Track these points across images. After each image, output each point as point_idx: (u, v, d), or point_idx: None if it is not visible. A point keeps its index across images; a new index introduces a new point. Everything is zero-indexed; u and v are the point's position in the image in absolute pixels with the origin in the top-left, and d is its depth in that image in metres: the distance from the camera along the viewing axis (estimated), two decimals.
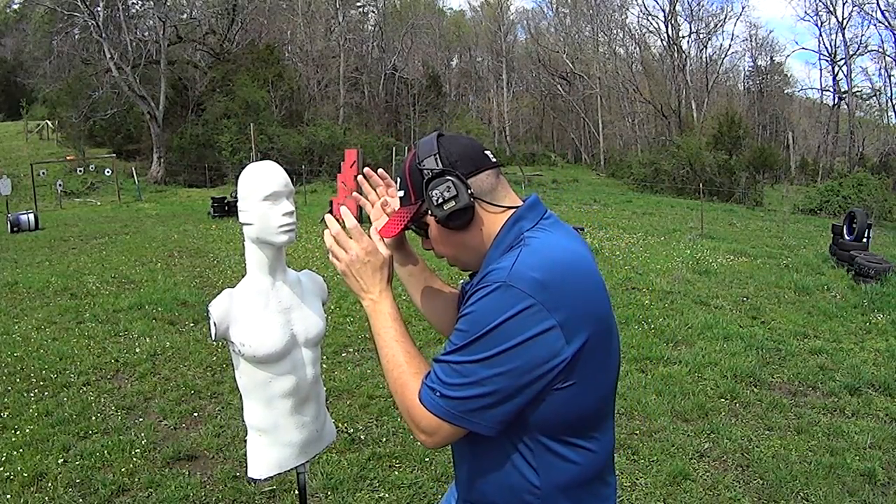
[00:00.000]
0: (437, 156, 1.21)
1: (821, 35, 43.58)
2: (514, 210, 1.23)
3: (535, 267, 1.10)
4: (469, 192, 1.18)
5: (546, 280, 1.08)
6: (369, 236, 1.28)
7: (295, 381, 1.72)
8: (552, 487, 1.17)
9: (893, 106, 40.28)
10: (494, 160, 1.26)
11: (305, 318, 1.75)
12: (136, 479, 3.23)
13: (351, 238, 1.27)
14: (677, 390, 4.38)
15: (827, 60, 42.52)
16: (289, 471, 1.83)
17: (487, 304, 1.09)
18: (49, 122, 31.72)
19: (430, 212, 1.21)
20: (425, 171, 1.20)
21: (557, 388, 1.11)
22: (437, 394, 1.13)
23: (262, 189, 1.62)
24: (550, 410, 1.13)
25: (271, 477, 1.79)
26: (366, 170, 1.55)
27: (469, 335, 1.10)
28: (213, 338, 1.65)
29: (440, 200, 1.18)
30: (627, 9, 50.96)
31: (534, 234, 1.19)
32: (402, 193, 1.27)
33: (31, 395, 4.34)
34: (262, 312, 1.68)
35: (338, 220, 1.37)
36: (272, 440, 1.76)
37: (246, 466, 1.85)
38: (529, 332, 1.07)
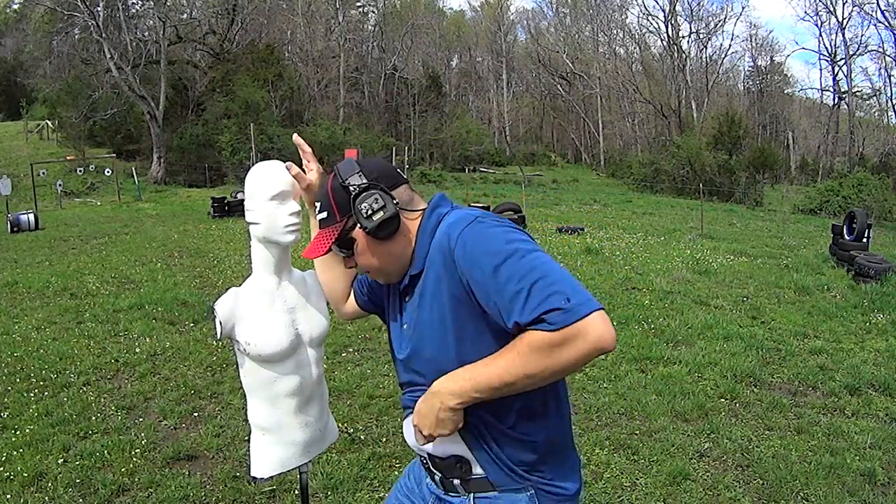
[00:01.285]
0: (360, 173, 1.30)
1: (821, 35, 43.51)
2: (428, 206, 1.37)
3: (471, 210, 1.27)
4: (395, 202, 1.27)
5: (481, 212, 1.26)
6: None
7: (299, 380, 1.73)
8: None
9: (893, 106, 40.32)
10: (405, 177, 1.38)
11: (310, 318, 1.75)
12: (136, 479, 3.23)
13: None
14: (677, 390, 4.38)
15: (827, 60, 42.58)
16: (290, 470, 1.83)
17: (477, 243, 1.19)
18: (49, 122, 31.72)
19: (358, 225, 1.29)
20: (351, 188, 1.28)
21: None
22: (565, 302, 1.09)
23: (269, 189, 1.62)
24: None
25: (272, 476, 1.79)
26: (295, 136, 1.67)
27: (502, 259, 1.14)
28: (219, 336, 1.66)
29: (369, 212, 1.25)
30: (627, 9, 51.09)
31: (445, 213, 1.32)
32: (324, 215, 1.35)
33: (32, 395, 4.33)
34: (267, 312, 1.68)
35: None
36: (275, 439, 1.76)
37: (247, 466, 1.85)
38: (502, 230, 1.20)
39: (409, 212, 1.33)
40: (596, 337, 1.08)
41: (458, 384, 1.21)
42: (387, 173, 1.33)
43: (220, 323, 1.63)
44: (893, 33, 36.72)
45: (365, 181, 1.28)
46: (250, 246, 1.74)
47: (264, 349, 1.65)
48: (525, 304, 1.11)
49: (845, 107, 41.06)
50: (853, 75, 40.82)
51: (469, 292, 1.20)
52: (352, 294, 1.66)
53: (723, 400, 4.30)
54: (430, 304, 1.28)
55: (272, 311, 1.69)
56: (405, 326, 1.37)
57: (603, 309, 1.10)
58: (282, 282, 1.73)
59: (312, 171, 1.61)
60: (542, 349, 1.11)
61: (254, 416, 1.77)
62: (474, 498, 1.34)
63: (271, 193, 1.62)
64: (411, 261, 1.33)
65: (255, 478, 1.79)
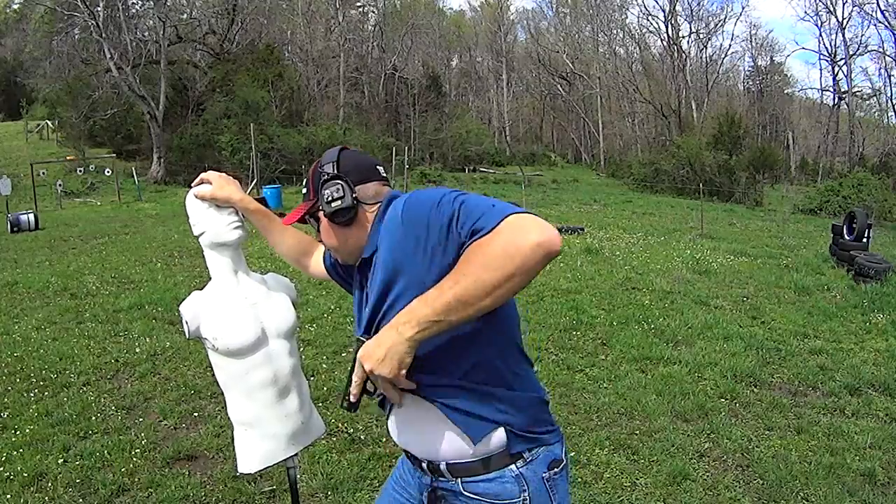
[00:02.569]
0: (335, 163, 1.46)
1: (821, 35, 43.63)
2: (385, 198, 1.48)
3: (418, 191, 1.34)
4: (353, 195, 1.42)
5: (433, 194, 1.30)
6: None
7: (272, 371, 1.77)
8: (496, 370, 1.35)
9: (893, 106, 40.32)
10: (384, 176, 1.53)
11: (274, 311, 1.81)
12: (136, 479, 3.23)
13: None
14: (677, 390, 4.38)
15: (827, 60, 42.62)
16: (277, 464, 1.85)
17: (416, 201, 1.30)
18: (49, 122, 31.67)
19: (321, 208, 1.44)
20: (322, 174, 1.46)
21: None
22: (490, 205, 1.22)
23: (203, 202, 1.78)
24: None
25: (259, 471, 1.82)
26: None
27: (437, 202, 1.26)
28: (188, 336, 1.74)
29: (329, 199, 1.41)
30: (627, 9, 51.14)
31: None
32: (304, 191, 1.54)
33: (31, 395, 4.33)
34: (230, 307, 1.74)
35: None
36: (258, 433, 1.80)
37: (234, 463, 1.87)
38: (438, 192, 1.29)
39: (369, 205, 1.46)
40: (523, 226, 1.14)
41: (412, 313, 1.18)
42: (360, 169, 1.48)
43: (187, 322, 1.72)
44: (893, 33, 36.74)
45: (334, 171, 1.44)
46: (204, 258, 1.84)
47: (231, 342, 1.71)
48: (459, 223, 1.21)
49: (845, 107, 41.09)
50: (853, 75, 40.90)
51: (424, 248, 1.24)
52: (321, 256, 1.83)
53: (723, 400, 4.30)
54: (381, 271, 1.35)
55: (235, 306, 1.75)
56: (366, 296, 1.46)
57: (529, 213, 1.19)
58: (241, 281, 1.80)
59: (206, 184, 1.78)
60: (486, 254, 1.13)
61: (234, 412, 1.81)
62: (462, 483, 1.36)
63: (206, 204, 1.77)
64: (367, 245, 1.45)
65: (243, 473, 1.83)
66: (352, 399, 1.29)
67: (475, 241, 1.17)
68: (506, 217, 1.16)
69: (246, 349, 1.72)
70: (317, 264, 1.83)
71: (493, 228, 1.15)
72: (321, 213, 1.47)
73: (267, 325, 1.77)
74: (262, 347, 1.75)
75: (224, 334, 1.70)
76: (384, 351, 1.20)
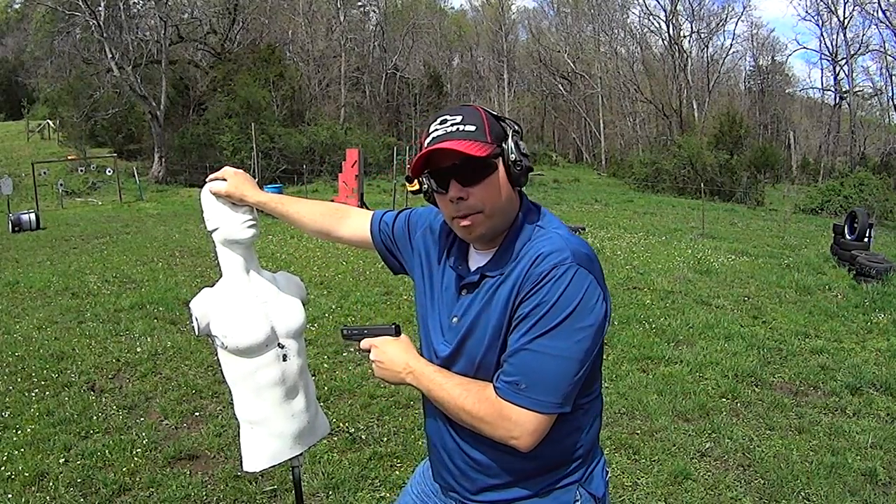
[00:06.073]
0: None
1: (822, 35, 43.42)
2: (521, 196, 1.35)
3: (581, 244, 1.25)
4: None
5: (591, 255, 1.25)
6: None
7: (280, 370, 1.77)
8: (589, 436, 1.35)
9: (894, 105, 40.24)
10: None
11: (284, 310, 1.80)
12: (138, 479, 3.24)
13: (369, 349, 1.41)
14: (678, 390, 4.38)
15: (828, 60, 42.55)
16: (282, 463, 1.86)
17: (561, 288, 1.18)
18: (50, 122, 31.75)
19: (511, 157, 1.25)
20: (507, 124, 1.29)
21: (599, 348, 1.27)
22: (522, 386, 1.19)
23: (218, 199, 1.76)
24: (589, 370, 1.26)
25: (265, 470, 1.82)
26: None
27: (552, 320, 1.18)
28: (197, 333, 1.71)
29: (526, 151, 1.27)
30: (629, 8, 50.97)
31: (546, 225, 1.31)
32: (472, 128, 1.23)
33: (33, 394, 4.34)
34: (240, 305, 1.73)
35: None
36: (265, 432, 1.80)
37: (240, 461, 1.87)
38: (595, 302, 1.20)
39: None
40: (512, 432, 1.20)
41: (419, 377, 1.31)
42: None
43: (197, 319, 1.69)
44: (894, 33, 36.69)
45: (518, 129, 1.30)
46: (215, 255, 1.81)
47: (241, 341, 1.69)
48: (511, 362, 1.22)
49: (846, 106, 41.02)
50: (854, 75, 40.82)
51: (517, 306, 1.23)
52: (367, 222, 1.66)
53: (724, 399, 4.30)
54: (497, 308, 1.25)
55: (245, 304, 1.74)
56: (455, 319, 1.32)
57: (549, 414, 1.20)
58: (252, 279, 1.79)
59: (223, 182, 1.73)
60: (481, 410, 1.22)
61: (240, 410, 1.81)
62: None
63: (221, 200, 1.75)
64: (492, 259, 1.30)
65: (248, 472, 1.82)
66: (346, 333, 1.46)
67: (497, 385, 1.23)
68: (515, 404, 1.20)
69: (255, 348, 1.71)
70: (357, 228, 1.68)
71: (501, 396, 1.21)
72: (498, 162, 1.25)
73: (276, 323, 1.77)
74: (272, 347, 1.75)
75: (234, 333, 1.69)
76: (388, 369, 1.35)
